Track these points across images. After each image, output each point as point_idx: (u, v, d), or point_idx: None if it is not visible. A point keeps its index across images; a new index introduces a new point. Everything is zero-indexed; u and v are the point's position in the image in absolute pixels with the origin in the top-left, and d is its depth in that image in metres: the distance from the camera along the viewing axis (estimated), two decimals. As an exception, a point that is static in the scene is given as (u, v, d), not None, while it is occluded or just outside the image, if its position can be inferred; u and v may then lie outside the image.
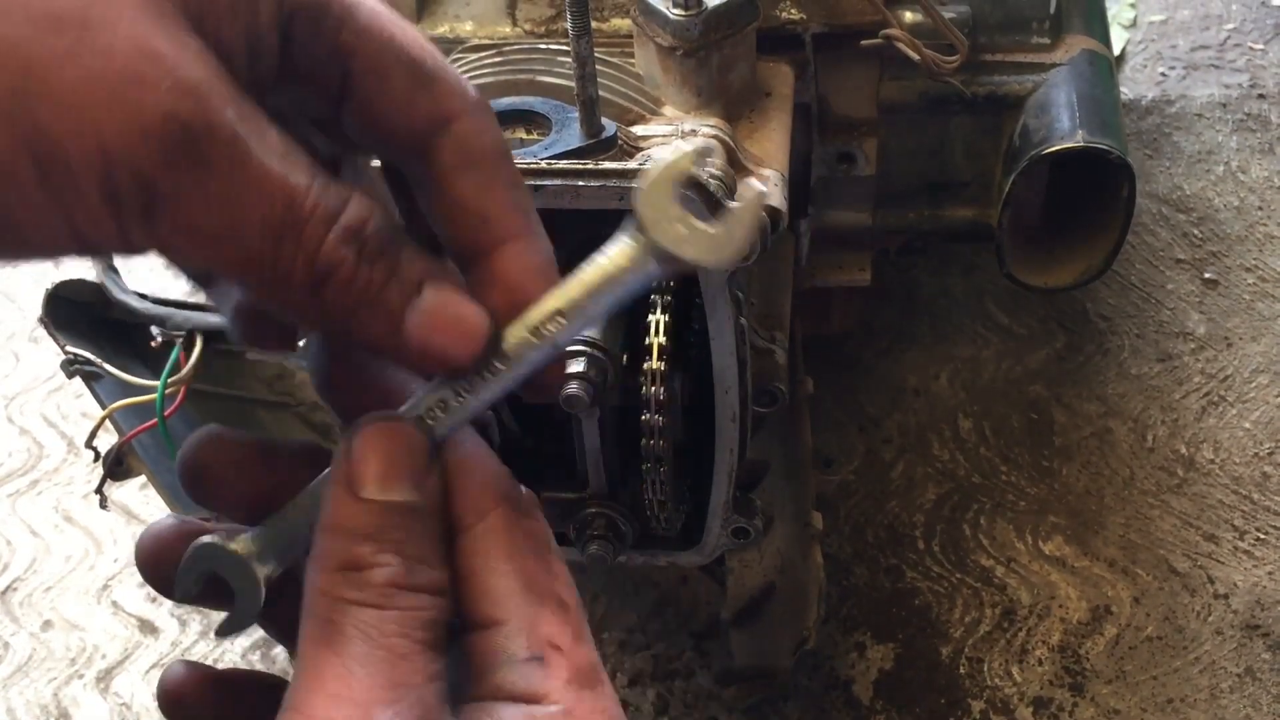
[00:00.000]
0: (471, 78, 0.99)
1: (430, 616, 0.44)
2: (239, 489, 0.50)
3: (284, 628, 0.49)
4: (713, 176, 0.81)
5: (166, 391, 1.06)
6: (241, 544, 0.48)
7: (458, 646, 0.47)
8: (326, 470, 0.47)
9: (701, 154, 0.48)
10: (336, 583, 0.44)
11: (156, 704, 0.53)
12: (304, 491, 0.49)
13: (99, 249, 0.42)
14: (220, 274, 0.45)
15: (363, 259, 0.44)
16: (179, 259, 0.43)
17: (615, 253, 0.48)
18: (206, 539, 0.49)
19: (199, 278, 0.53)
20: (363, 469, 0.45)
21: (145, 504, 1.53)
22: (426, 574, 0.45)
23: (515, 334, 0.47)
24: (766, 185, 0.90)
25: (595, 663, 0.46)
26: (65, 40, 0.38)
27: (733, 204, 0.47)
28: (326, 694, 0.42)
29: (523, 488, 0.49)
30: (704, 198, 0.47)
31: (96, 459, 1.12)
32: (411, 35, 0.48)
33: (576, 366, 0.75)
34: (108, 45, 0.39)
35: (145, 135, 0.39)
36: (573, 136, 0.83)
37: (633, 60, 1.03)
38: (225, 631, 0.49)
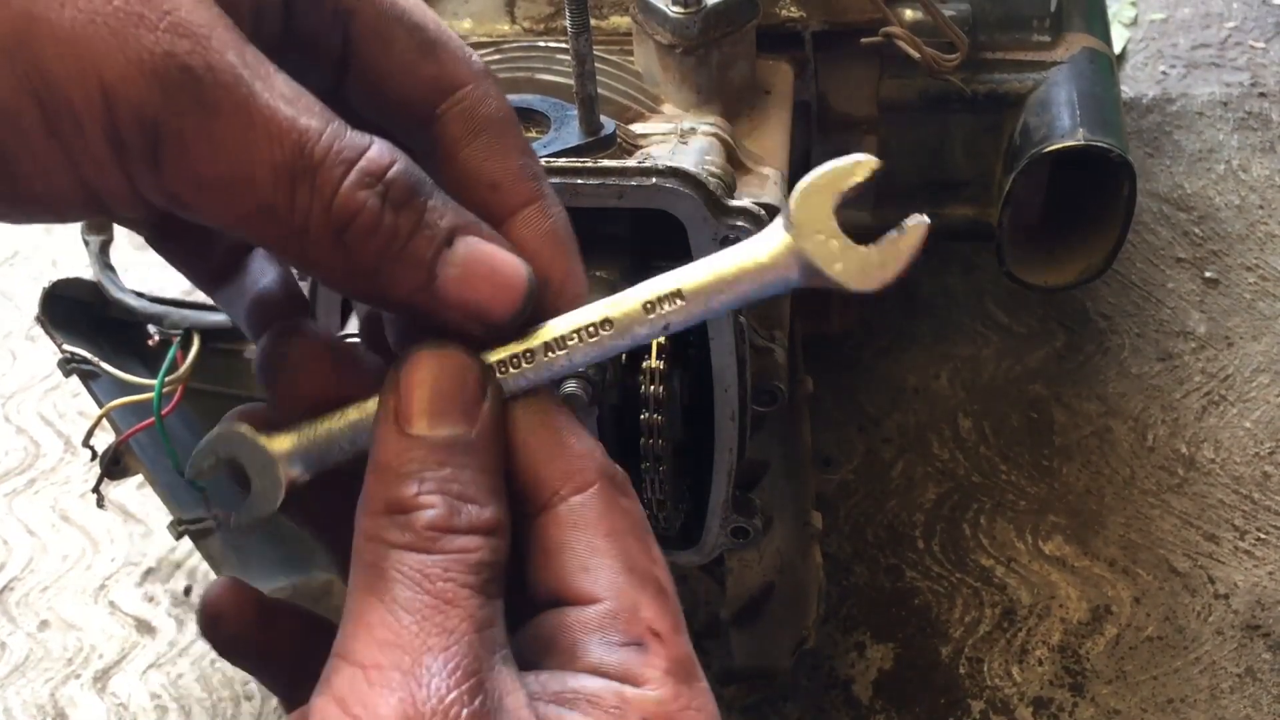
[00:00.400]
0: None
1: (479, 559, 0.41)
2: (304, 385, 0.47)
3: (321, 531, 0.48)
4: (712, 175, 0.81)
5: (164, 390, 1.06)
6: (273, 440, 0.45)
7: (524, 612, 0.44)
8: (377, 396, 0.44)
9: (867, 166, 0.45)
10: (381, 526, 0.42)
11: (198, 625, 0.51)
12: (355, 405, 0.45)
13: (108, 202, 0.41)
14: (236, 228, 0.43)
15: (387, 205, 0.41)
16: (192, 212, 0.41)
17: (758, 248, 0.45)
18: (238, 425, 0.46)
19: (204, 282, 0.52)
20: (410, 402, 0.43)
21: (142, 503, 1.53)
22: (475, 514, 0.42)
23: (626, 302, 0.45)
24: (766, 183, 0.90)
25: (693, 656, 0.44)
26: None
27: (893, 233, 0.45)
28: (374, 640, 0.40)
29: (619, 467, 0.47)
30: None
31: (94, 458, 1.12)
32: (414, 1, 0.46)
33: None
34: None
35: (145, 75, 0.38)
36: (571, 134, 0.83)
37: (632, 58, 1.02)
38: (234, 525, 0.46)
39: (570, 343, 0.45)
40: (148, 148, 0.39)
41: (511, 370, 0.45)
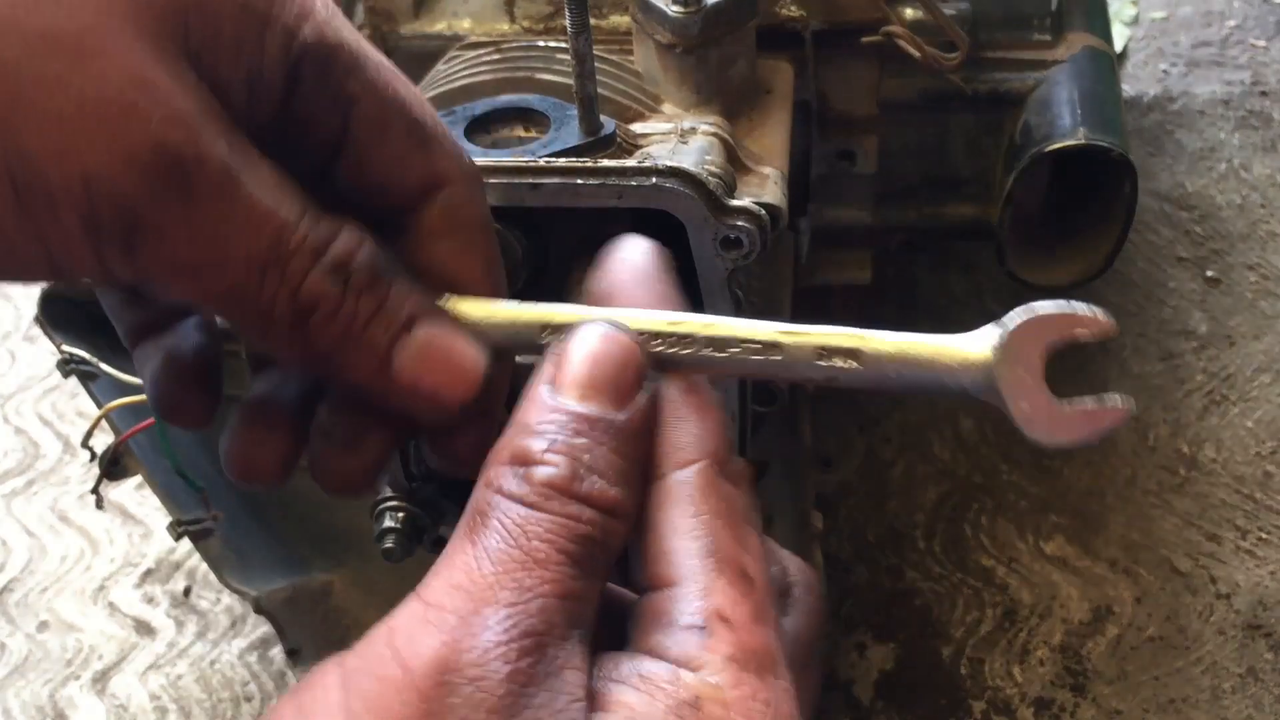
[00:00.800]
0: (469, 75, 0.98)
1: (586, 532, 0.40)
2: None
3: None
4: (712, 174, 0.81)
5: (162, 391, 1.06)
6: (474, 307, 0.45)
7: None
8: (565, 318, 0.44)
9: (1099, 326, 0.44)
10: (500, 474, 0.41)
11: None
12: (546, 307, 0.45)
13: (73, 275, 0.41)
14: (201, 306, 0.44)
15: (349, 292, 0.42)
16: (158, 290, 0.42)
17: (959, 345, 0.44)
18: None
19: (129, 333, 0.52)
20: (566, 370, 0.42)
21: (141, 504, 1.53)
22: (598, 486, 0.41)
23: (802, 337, 0.44)
24: (766, 183, 0.90)
25: (772, 650, 0.42)
26: (58, 65, 0.38)
27: (1091, 402, 0.45)
28: (449, 582, 0.40)
29: (741, 459, 0.46)
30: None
31: (93, 459, 1.12)
32: (414, 94, 0.47)
33: None
34: (101, 72, 0.38)
35: (132, 165, 0.38)
36: (571, 134, 0.83)
37: (631, 58, 1.02)
38: None
39: (733, 350, 0.44)
40: (124, 234, 0.40)
41: (666, 350, 0.44)
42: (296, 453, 0.50)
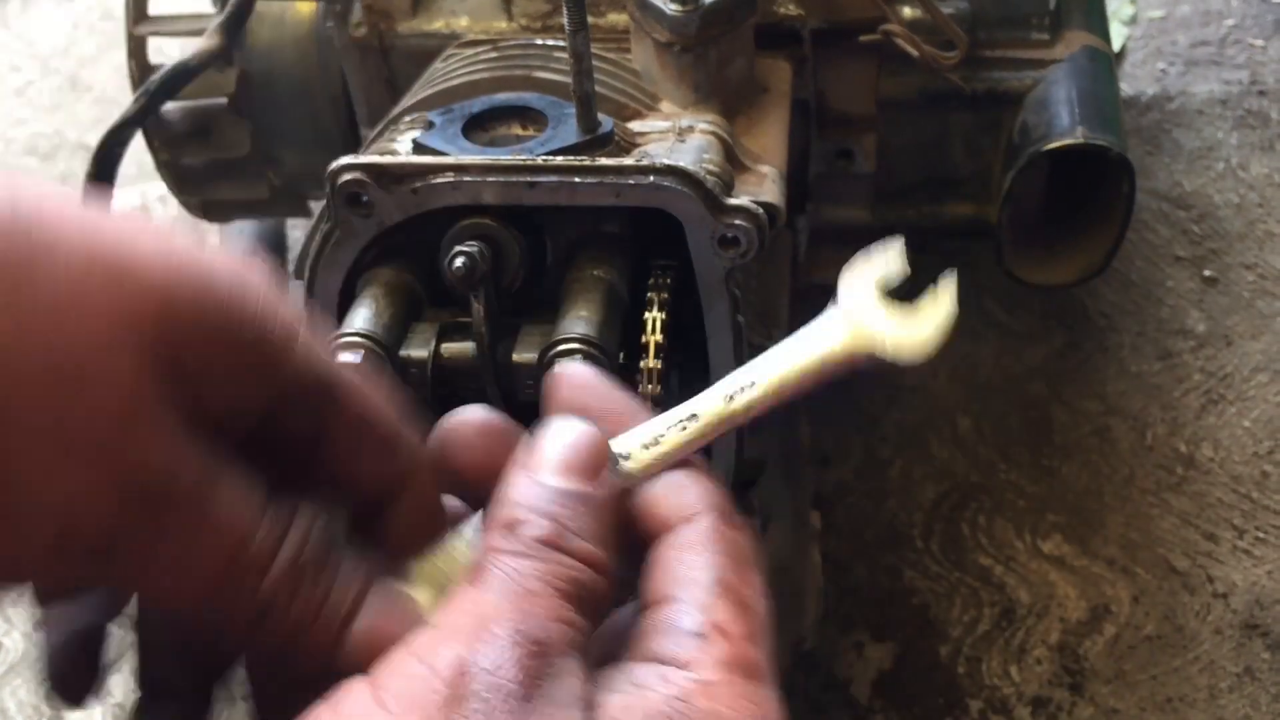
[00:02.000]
0: (467, 73, 0.98)
1: (575, 576, 0.44)
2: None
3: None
4: (710, 173, 0.81)
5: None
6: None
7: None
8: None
9: (897, 255, 0.51)
10: (494, 538, 0.45)
11: None
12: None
13: (35, 581, 0.45)
14: (162, 608, 0.48)
15: (300, 586, 0.45)
16: (119, 592, 0.47)
17: (823, 333, 0.50)
18: None
19: (39, 596, 0.52)
20: (541, 458, 0.47)
21: (139, 502, 1.53)
22: (581, 544, 0.45)
23: (711, 404, 0.50)
24: (764, 181, 0.90)
25: (763, 665, 0.44)
26: (55, 396, 0.40)
27: (930, 297, 0.49)
28: (456, 609, 0.43)
29: (744, 517, 0.50)
30: None
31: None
32: (384, 404, 0.50)
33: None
34: (93, 407, 0.40)
35: (112, 492, 0.41)
36: (569, 133, 0.83)
37: (630, 56, 1.02)
38: None
39: (672, 436, 0.50)
40: (102, 550, 0.42)
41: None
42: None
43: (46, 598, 0.51)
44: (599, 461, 0.47)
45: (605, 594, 0.45)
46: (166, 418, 0.42)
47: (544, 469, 0.46)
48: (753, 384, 0.49)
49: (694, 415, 0.49)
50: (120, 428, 0.41)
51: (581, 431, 0.48)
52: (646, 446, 0.49)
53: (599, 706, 0.42)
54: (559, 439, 0.47)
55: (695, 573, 0.45)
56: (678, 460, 0.49)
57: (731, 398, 0.50)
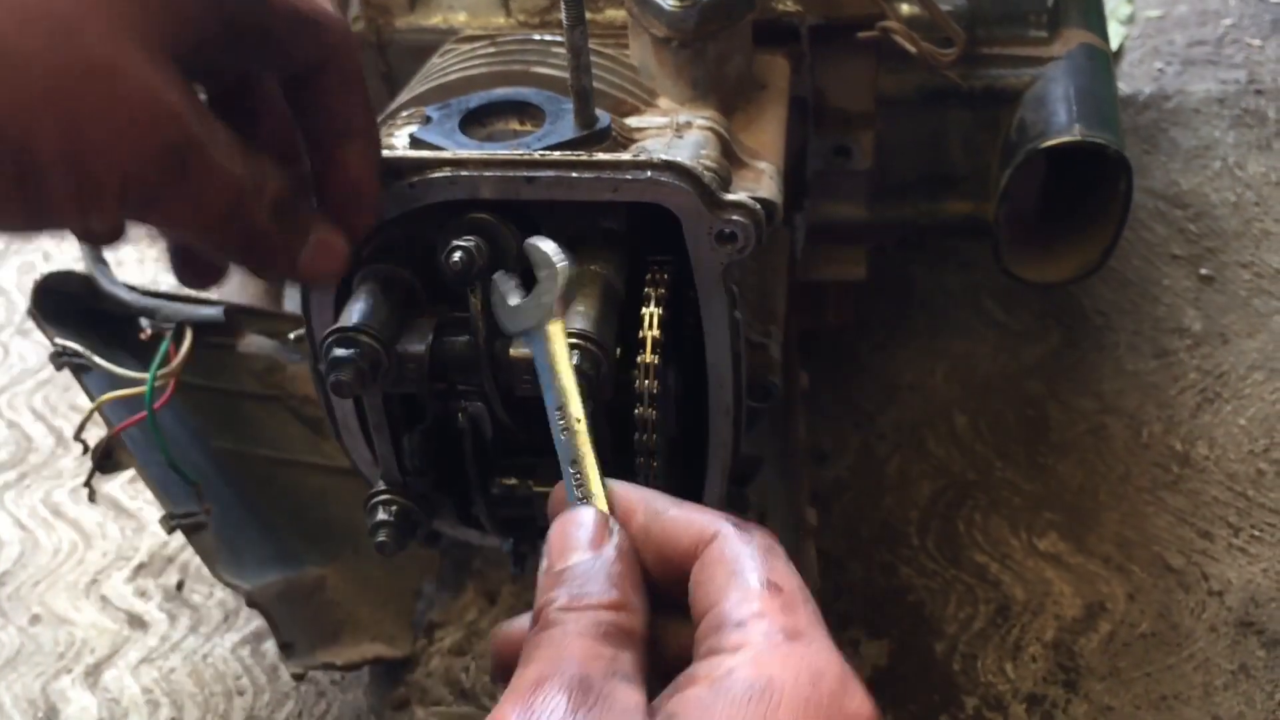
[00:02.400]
0: (464, 68, 0.98)
1: (598, 619, 0.52)
2: None
3: None
4: (707, 169, 0.81)
5: (156, 384, 1.05)
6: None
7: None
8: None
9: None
10: (529, 631, 0.54)
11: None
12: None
13: (93, 228, 0.58)
14: (181, 240, 0.67)
15: (281, 225, 0.64)
16: (151, 229, 0.62)
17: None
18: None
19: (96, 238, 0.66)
20: (552, 553, 0.57)
21: (134, 498, 1.53)
22: (594, 596, 0.54)
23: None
24: (762, 178, 0.89)
25: (802, 626, 0.51)
26: (100, 89, 0.53)
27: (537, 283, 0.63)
28: (517, 681, 0.51)
29: (734, 518, 0.57)
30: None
31: (85, 452, 1.11)
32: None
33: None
34: (129, 94, 0.54)
35: (151, 159, 0.56)
36: (567, 128, 0.83)
37: (627, 52, 1.02)
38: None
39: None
40: (143, 205, 0.58)
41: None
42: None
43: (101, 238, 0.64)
44: (597, 533, 0.56)
45: (632, 622, 0.53)
46: (177, 95, 0.56)
47: (555, 559, 0.56)
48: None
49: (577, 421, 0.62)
50: (147, 112, 0.54)
51: (572, 520, 0.57)
52: (572, 466, 0.60)
53: (658, 711, 0.49)
54: (556, 529, 0.58)
55: (726, 578, 0.53)
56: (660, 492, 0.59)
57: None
